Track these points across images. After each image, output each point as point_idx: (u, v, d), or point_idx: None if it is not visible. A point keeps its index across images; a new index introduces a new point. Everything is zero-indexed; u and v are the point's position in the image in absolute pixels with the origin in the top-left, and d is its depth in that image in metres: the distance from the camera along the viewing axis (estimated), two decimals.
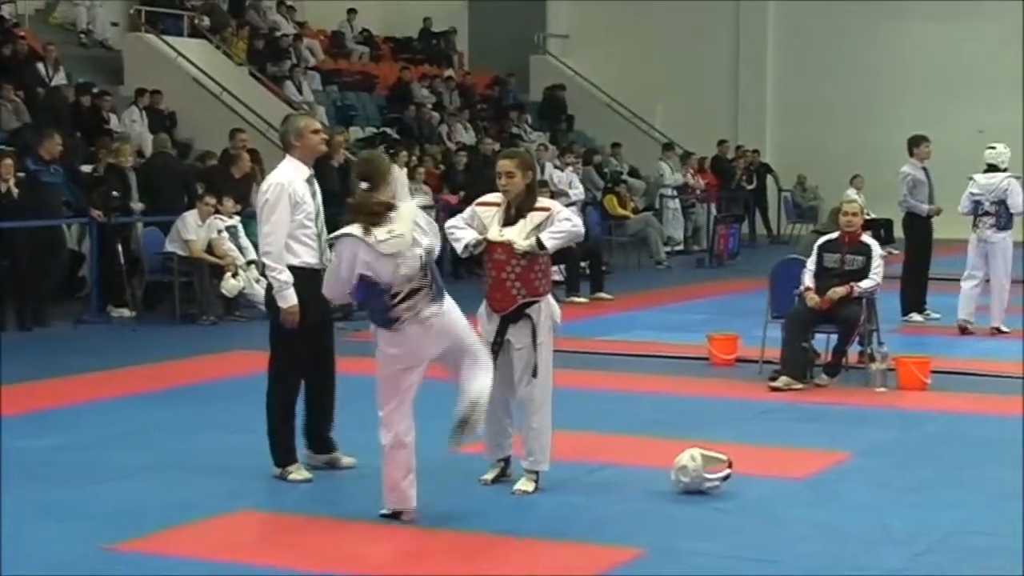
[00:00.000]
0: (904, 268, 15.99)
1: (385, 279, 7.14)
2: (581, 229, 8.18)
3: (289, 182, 8.22)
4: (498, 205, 8.15)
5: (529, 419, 8.08)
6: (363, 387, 7.86)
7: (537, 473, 8.09)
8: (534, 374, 8.02)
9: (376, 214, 7.14)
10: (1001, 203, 14.64)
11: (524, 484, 8.07)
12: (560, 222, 8.00)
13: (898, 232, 24.33)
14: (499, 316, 8.06)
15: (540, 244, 7.94)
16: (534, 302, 8.04)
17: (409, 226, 7.14)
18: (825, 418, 10.45)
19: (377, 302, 7.21)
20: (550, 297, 8.19)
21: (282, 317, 8.10)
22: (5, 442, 9.18)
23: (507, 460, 8.26)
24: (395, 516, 7.32)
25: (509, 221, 8.05)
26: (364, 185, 7.22)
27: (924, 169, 15.71)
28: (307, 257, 8.17)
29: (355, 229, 7.16)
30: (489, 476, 8.23)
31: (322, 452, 8.49)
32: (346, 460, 8.50)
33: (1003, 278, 14.72)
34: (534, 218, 8.00)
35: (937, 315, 15.60)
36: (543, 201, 8.22)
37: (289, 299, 8.04)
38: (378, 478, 7.43)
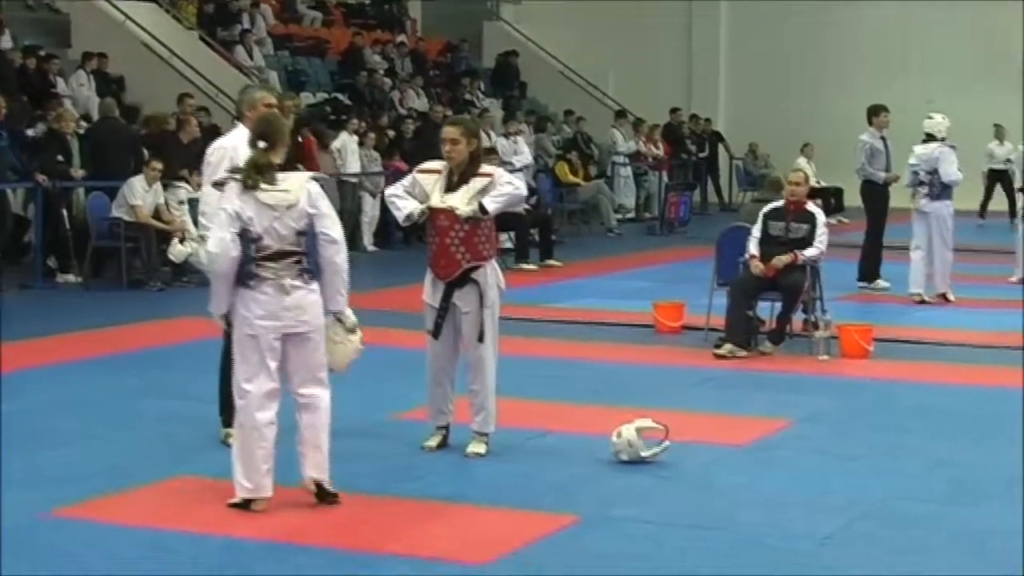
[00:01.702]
0: (866, 235, 16.05)
1: (256, 229, 6.98)
2: (523, 192, 8.21)
3: (234, 147, 8.22)
4: (439, 172, 8.17)
5: (477, 382, 8.13)
6: None
7: (487, 435, 8.14)
8: (480, 338, 8.04)
9: (265, 169, 7.01)
10: (935, 172, 14.73)
11: (476, 447, 8.13)
12: (502, 185, 8.03)
13: (854, 200, 24.64)
14: (444, 283, 8.07)
15: (482, 208, 7.96)
16: (479, 266, 8.07)
17: (297, 188, 7.02)
18: (768, 385, 10.50)
19: (243, 254, 7.00)
20: (494, 262, 8.22)
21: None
22: None
23: (448, 426, 8.28)
24: (245, 505, 6.97)
25: (451, 187, 8.08)
26: (262, 144, 7.14)
27: (882, 138, 15.79)
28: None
29: (238, 176, 7.08)
30: (432, 443, 8.25)
31: None
32: None
33: (940, 247, 14.79)
34: (476, 184, 8.03)
35: (886, 284, 15.69)
36: (486, 167, 8.23)
37: None
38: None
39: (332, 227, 7.05)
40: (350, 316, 7.24)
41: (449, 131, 8.16)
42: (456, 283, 8.08)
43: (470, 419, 8.18)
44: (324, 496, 7.07)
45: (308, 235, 7.01)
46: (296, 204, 6.99)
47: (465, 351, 8.16)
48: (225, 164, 8.11)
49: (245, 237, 6.99)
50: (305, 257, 7.05)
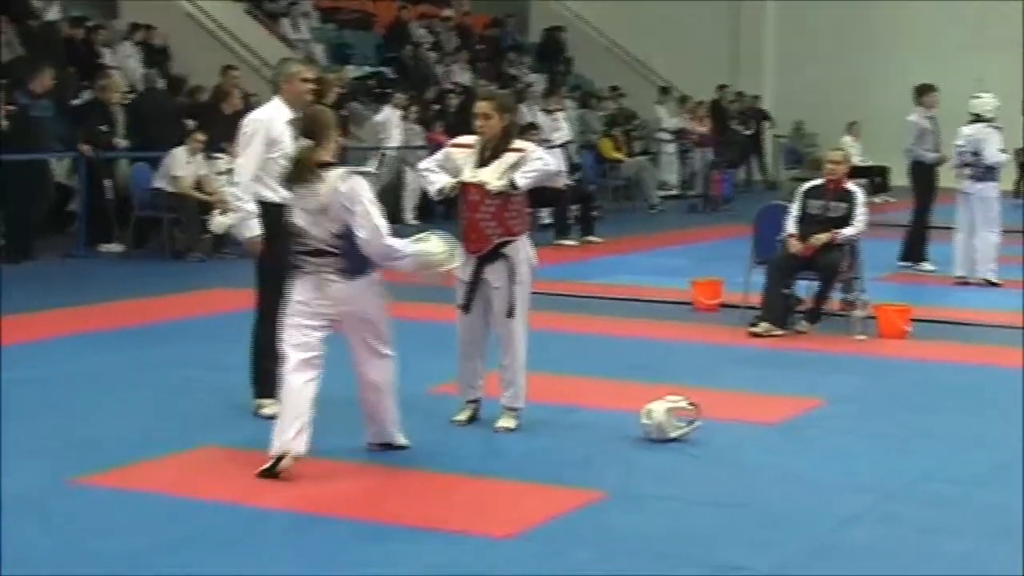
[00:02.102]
0: (913, 216, 15.93)
1: (299, 224, 7.22)
2: (553, 168, 8.18)
3: (269, 119, 8.31)
4: (471, 147, 8.16)
5: (507, 357, 8.12)
6: None
7: (517, 410, 8.13)
8: (510, 313, 8.03)
9: (309, 171, 7.14)
10: (979, 154, 14.57)
11: (506, 421, 8.13)
12: (533, 161, 8.00)
13: (899, 180, 24.45)
14: (475, 257, 8.06)
15: (513, 184, 7.94)
16: (510, 241, 8.05)
17: (328, 190, 7.09)
18: (802, 364, 10.46)
19: (291, 243, 7.31)
20: (526, 237, 8.19)
21: (245, 246, 8.20)
22: None
23: (478, 402, 8.28)
24: (272, 469, 7.00)
25: (483, 162, 8.07)
26: (308, 142, 7.21)
27: (931, 118, 15.65)
28: (283, 192, 8.17)
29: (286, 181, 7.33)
30: (462, 416, 8.26)
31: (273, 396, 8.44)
32: None
33: (983, 229, 14.61)
34: (508, 159, 8.01)
35: (931, 267, 15.57)
36: (519, 142, 8.20)
37: (252, 229, 8.16)
38: (342, 417, 7.43)
39: (362, 227, 7.06)
40: (419, 262, 7.28)
41: (482, 105, 8.15)
42: (487, 258, 8.07)
43: (500, 394, 8.19)
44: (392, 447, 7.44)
45: (345, 236, 7.09)
46: (327, 207, 7.04)
47: (495, 326, 8.16)
48: (260, 136, 8.21)
49: (293, 229, 7.23)
50: (343, 257, 7.12)
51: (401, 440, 7.53)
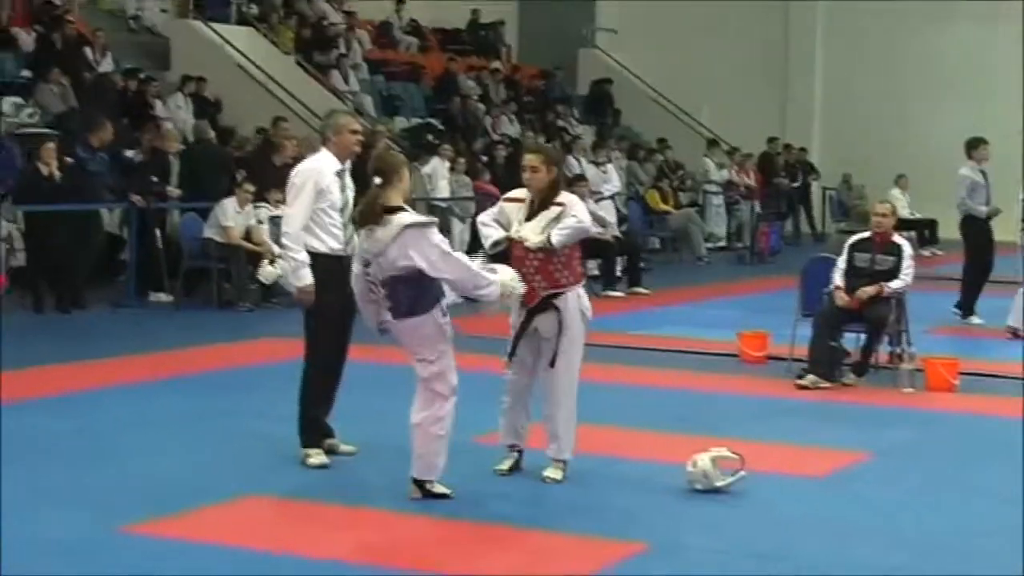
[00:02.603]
0: (964, 270, 15.87)
1: (366, 261, 7.49)
2: (587, 225, 8.19)
3: (318, 171, 8.40)
4: (523, 200, 8.23)
5: (550, 407, 8.15)
6: (368, 375, 7.94)
7: (564, 462, 8.14)
8: (552, 363, 8.06)
9: (376, 215, 7.35)
10: None
11: (552, 472, 8.14)
12: (568, 218, 8.04)
13: (948, 232, 24.37)
14: (526, 308, 8.12)
15: (549, 241, 7.98)
16: (559, 293, 8.09)
17: (388, 237, 7.28)
18: (850, 417, 10.43)
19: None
20: (580, 288, 8.22)
21: (296, 296, 8.31)
22: (32, 423, 9.32)
23: (521, 451, 8.30)
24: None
25: (531, 216, 8.13)
26: (377, 180, 7.39)
27: (982, 171, 15.59)
28: (331, 243, 8.29)
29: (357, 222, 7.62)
30: (504, 466, 8.28)
31: (320, 445, 8.51)
32: (345, 447, 8.55)
33: None
34: (550, 213, 8.07)
35: (979, 321, 15.47)
36: (562, 196, 8.24)
37: (303, 278, 8.21)
38: (388, 466, 7.47)
39: (439, 267, 7.31)
40: (499, 292, 7.54)
41: (530, 158, 8.21)
42: (537, 308, 8.12)
43: (545, 445, 8.21)
44: (425, 494, 7.50)
45: (391, 284, 7.36)
46: (383, 252, 7.17)
47: (541, 376, 8.19)
48: (309, 187, 8.29)
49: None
50: (391, 299, 7.37)
51: (439, 488, 7.56)
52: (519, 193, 8.32)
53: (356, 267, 7.65)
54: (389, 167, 7.45)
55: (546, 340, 8.12)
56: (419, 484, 7.52)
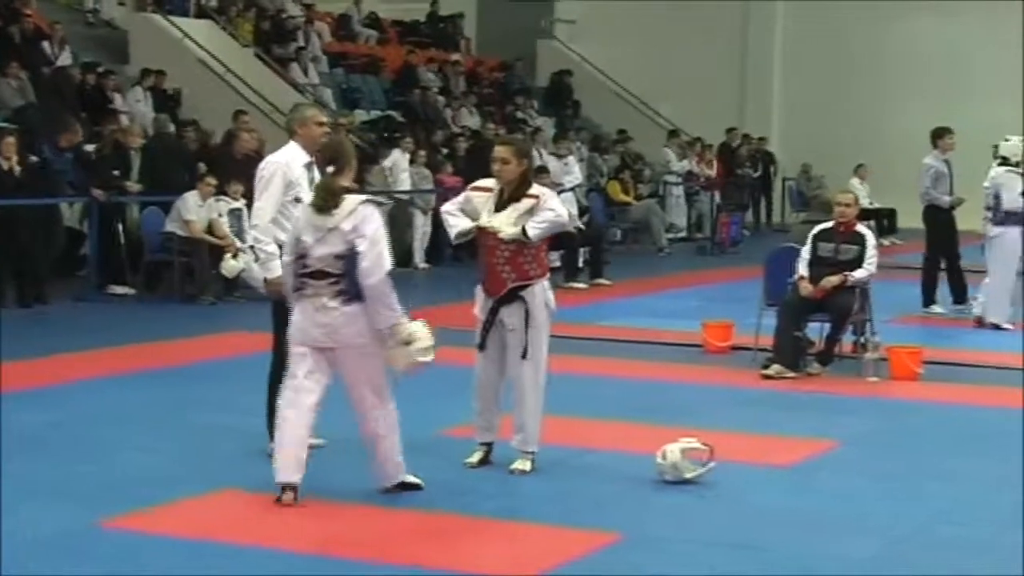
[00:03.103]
0: (924, 259, 15.94)
1: (305, 244, 7.33)
2: (563, 219, 8.20)
3: (286, 163, 8.41)
4: (491, 190, 8.22)
5: (517, 399, 8.16)
6: None
7: (530, 453, 8.16)
8: (524, 355, 8.07)
9: (331, 195, 7.31)
10: (998, 197, 14.51)
11: (521, 464, 8.15)
12: (544, 211, 8.05)
13: (907, 222, 24.50)
14: (493, 299, 8.12)
15: (524, 233, 7.99)
16: (526, 285, 8.09)
17: (344, 211, 7.24)
18: (815, 407, 10.49)
19: (294, 267, 7.47)
20: (545, 281, 8.23)
21: (265, 288, 8.31)
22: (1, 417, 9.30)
23: (491, 444, 8.31)
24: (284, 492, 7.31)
25: (500, 207, 8.12)
26: (330, 169, 7.40)
27: (946, 161, 15.65)
28: None
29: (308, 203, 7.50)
30: (474, 459, 8.29)
31: None
32: (314, 440, 8.52)
33: (998, 273, 14.44)
34: (523, 205, 8.06)
35: (941, 310, 15.55)
36: (534, 188, 8.24)
37: (273, 270, 8.21)
38: (357, 457, 7.45)
39: (368, 251, 7.20)
40: (400, 329, 7.32)
41: (500, 151, 8.20)
42: (503, 300, 8.13)
43: (512, 437, 8.22)
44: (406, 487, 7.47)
45: (347, 258, 7.18)
46: (337, 227, 7.16)
47: (508, 368, 8.20)
48: (277, 180, 8.29)
49: (298, 253, 7.35)
50: (343, 279, 7.19)
51: (411, 479, 7.56)
52: (486, 183, 8.31)
53: (287, 259, 7.58)
54: (341, 154, 7.47)
55: (512, 332, 8.12)
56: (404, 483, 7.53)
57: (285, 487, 7.26)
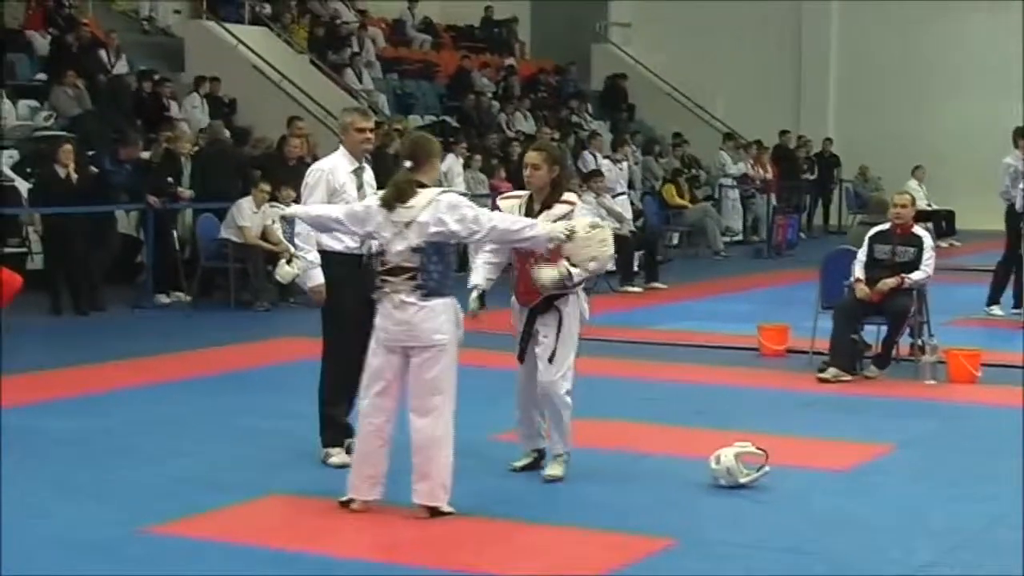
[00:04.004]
0: (1003, 258, 15.64)
1: (382, 241, 7.25)
2: (605, 265, 8.19)
3: (331, 170, 8.38)
4: (520, 197, 8.15)
5: (545, 405, 8.06)
6: None
7: (562, 456, 8.05)
8: (550, 360, 7.97)
9: (405, 189, 7.20)
10: None
11: (553, 469, 8.06)
12: (588, 263, 7.89)
13: (965, 223, 24.29)
14: (527, 309, 8.04)
15: (569, 274, 7.83)
16: (561, 295, 8.00)
17: (422, 204, 7.13)
18: (871, 410, 10.38)
19: (372, 267, 7.42)
20: (580, 290, 8.12)
21: (309, 296, 8.35)
22: (53, 424, 9.33)
23: (541, 451, 8.24)
24: (346, 504, 7.25)
25: (532, 214, 7.99)
26: (408, 164, 7.28)
27: None
28: (348, 241, 8.23)
29: (377, 199, 7.36)
30: (519, 463, 8.22)
31: (340, 444, 8.45)
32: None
33: None
34: (557, 211, 7.93)
35: (1000, 312, 15.36)
36: (567, 195, 8.12)
37: (314, 279, 8.23)
38: (409, 465, 7.38)
39: (475, 225, 7.18)
40: (554, 233, 7.40)
41: (531, 156, 8.13)
42: (538, 309, 8.03)
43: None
44: (436, 514, 7.18)
45: (424, 251, 7.10)
46: (415, 220, 7.07)
47: (538, 375, 8.05)
48: (322, 186, 8.27)
49: (373, 251, 7.34)
50: (420, 273, 7.13)
51: (446, 508, 7.21)
52: (515, 191, 8.27)
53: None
54: (423, 152, 7.33)
55: (543, 339, 8.01)
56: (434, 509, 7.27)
57: (355, 501, 7.25)
